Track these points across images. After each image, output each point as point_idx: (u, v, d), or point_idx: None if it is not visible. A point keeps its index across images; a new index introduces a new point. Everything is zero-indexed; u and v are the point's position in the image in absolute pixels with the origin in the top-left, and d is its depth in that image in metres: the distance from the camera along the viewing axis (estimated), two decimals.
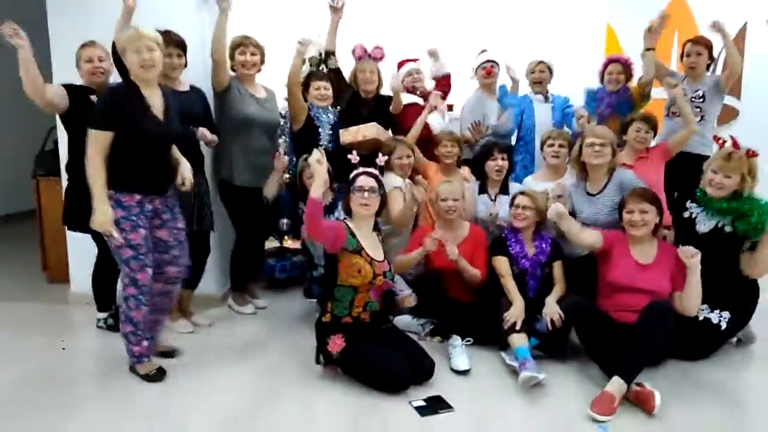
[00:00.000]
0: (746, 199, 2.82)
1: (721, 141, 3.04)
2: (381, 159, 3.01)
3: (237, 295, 3.64)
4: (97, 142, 2.44)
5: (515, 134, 4.09)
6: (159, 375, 2.68)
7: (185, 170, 2.74)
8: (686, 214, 3.00)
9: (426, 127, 3.84)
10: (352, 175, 2.76)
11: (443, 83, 4.25)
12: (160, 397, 2.54)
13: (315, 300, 3.47)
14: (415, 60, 4.16)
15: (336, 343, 2.60)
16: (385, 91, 3.99)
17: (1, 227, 6.19)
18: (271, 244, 4.12)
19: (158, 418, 2.38)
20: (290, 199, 3.52)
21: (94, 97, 3.01)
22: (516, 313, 2.83)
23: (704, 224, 2.95)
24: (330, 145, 3.59)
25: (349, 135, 3.59)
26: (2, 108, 6.09)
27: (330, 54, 3.99)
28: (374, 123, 3.60)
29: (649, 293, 2.71)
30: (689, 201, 3.03)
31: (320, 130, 3.60)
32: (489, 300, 3.04)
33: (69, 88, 2.99)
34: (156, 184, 2.62)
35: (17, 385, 2.63)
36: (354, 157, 2.82)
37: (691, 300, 2.69)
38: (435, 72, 4.24)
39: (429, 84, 4.23)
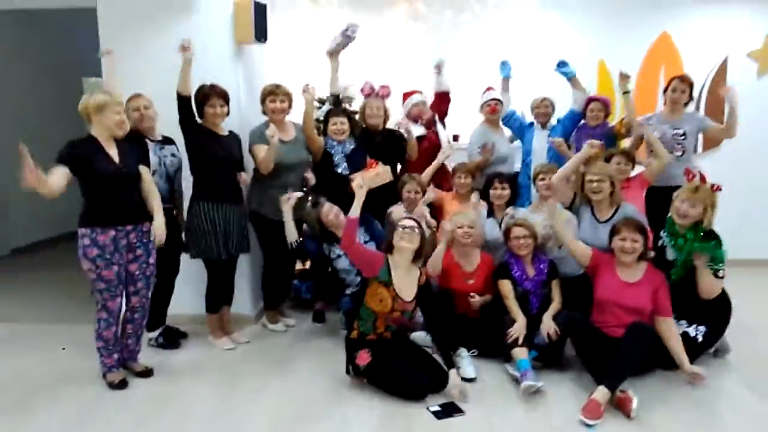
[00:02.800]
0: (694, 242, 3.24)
1: (690, 175, 3.47)
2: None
3: (269, 314, 4.08)
4: (54, 171, 2.82)
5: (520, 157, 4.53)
6: (122, 384, 3.15)
7: (157, 227, 3.14)
8: (659, 243, 3.44)
9: (435, 139, 4.40)
10: (400, 217, 3.27)
11: (442, 100, 4.67)
12: (215, 407, 2.97)
13: (323, 323, 3.99)
14: (419, 92, 4.57)
15: (363, 357, 3.03)
16: (391, 124, 4.38)
17: (52, 249, 6.66)
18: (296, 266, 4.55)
19: (210, 426, 2.79)
20: (315, 245, 3.85)
21: (150, 144, 3.50)
22: (518, 329, 3.25)
23: (671, 253, 3.38)
24: (346, 172, 4.00)
25: (371, 182, 3.80)
26: (52, 127, 6.58)
27: (336, 96, 4.47)
28: (387, 167, 3.95)
29: (633, 310, 3.13)
30: (662, 230, 3.46)
31: (336, 159, 4.02)
32: (493, 316, 3.46)
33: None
34: (125, 216, 3.05)
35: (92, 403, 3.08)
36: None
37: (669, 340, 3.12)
38: (437, 87, 4.67)
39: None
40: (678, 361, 3.05)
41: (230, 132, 3.69)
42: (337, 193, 3.84)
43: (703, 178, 3.40)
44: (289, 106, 3.88)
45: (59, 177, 2.84)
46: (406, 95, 4.57)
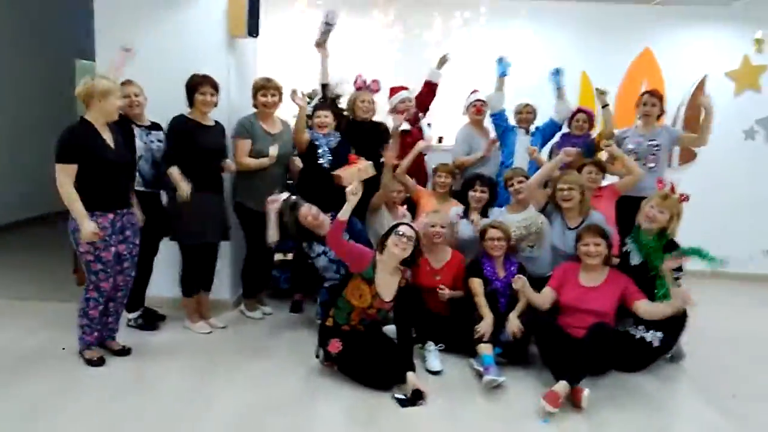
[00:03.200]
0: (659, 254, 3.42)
1: (662, 184, 3.64)
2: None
3: (248, 301, 4.19)
4: (65, 172, 2.95)
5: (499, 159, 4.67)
6: (100, 361, 3.26)
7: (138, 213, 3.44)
8: (624, 249, 3.60)
9: (418, 135, 4.51)
10: (396, 222, 3.39)
11: (429, 90, 4.79)
12: (187, 388, 3.07)
13: (300, 313, 4.18)
14: (406, 88, 4.67)
15: (334, 346, 3.15)
16: (377, 117, 4.51)
17: (38, 227, 6.70)
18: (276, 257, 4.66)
19: (184, 405, 2.90)
20: (292, 243, 4.01)
21: (137, 130, 3.59)
22: (485, 327, 3.40)
23: (636, 258, 3.54)
24: (328, 165, 4.05)
25: (349, 178, 3.89)
26: (42, 110, 6.68)
27: (325, 86, 4.58)
28: (370, 163, 4.04)
29: (596, 313, 3.29)
30: (627, 237, 3.63)
31: (319, 151, 4.07)
32: (462, 313, 3.61)
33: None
34: (122, 201, 3.20)
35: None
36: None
37: (654, 313, 3.27)
38: (429, 76, 4.80)
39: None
40: (665, 310, 3.21)
41: (216, 122, 3.79)
42: (319, 186, 3.94)
43: (672, 189, 3.58)
44: (280, 100, 3.98)
45: (73, 175, 2.98)
46: (393, 90, 4.66)
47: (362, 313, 3.22)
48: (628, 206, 4.01)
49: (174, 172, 3.56)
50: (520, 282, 3.36)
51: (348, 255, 3.23)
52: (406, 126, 4.55)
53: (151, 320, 3.87)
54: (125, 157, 3.21)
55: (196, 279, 3.85)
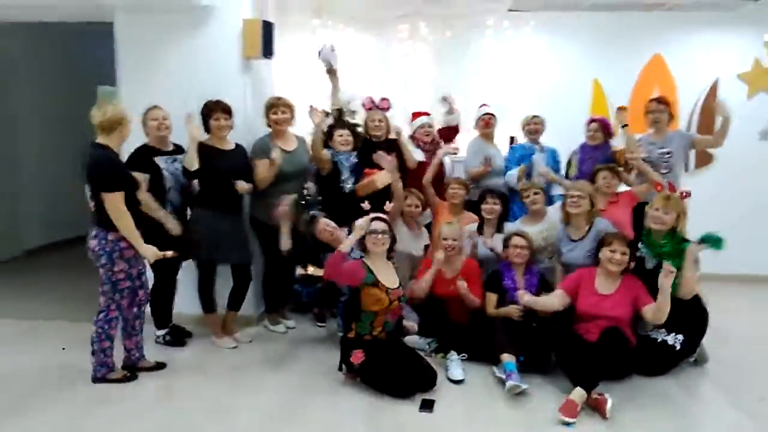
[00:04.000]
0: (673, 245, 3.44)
1: (660, 187, 3.69)
2: (388, 206, 3.74)
3: (270, 316, 4.27)
4: (117, 199, 3.06)
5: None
6: (133, 376, 3.35)
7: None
8: (638, 254, 3.62)
9: (439, 167, 4.51)
10: (367, 222, 3.41)
11: (450, 133, 4.88)
12: (214, 402, 3.15)
13: (324, 325, 4.25)
14: (427, 114, 4.77)
15: (357, 357, 3.21)
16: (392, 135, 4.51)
17: (63, 250, 6.82)
18: (298, 271, 4.73)
19: (209, 419, 2.97)
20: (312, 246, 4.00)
21: (158, 159, 3.69)
22: (513, 311, 3.55)
23: (650, 262, 3.56)
24: (351, 185, 4.19)
25: (366, 188, 4.10)
26: (66, 135, 6.82)
27: (339, 110, 4.68)
28: (385, 171, 4.10)
29: (611, 319, 3.31)
30: (639, 242, 3.65)
31: (342, 171, 4.19)
32: (483, 322, 3.65)
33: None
34: (143, 220, 3.31)
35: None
36: (366, 205, 3.64)
37: (659, 311, 3.22)
38: (447, 122, 4.88)
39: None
40: (665, 299, 3.16)
41: (237, 145, 3.89)
42: (342, 208, 4.02)
43: (672, 187, 3.62)
44: (292, 117, 4.08)
45: (123, 201, 3.10)
46: (415, 115, 4.75)
47: (386, 314, 3.30)
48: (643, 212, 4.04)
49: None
50: (525, 297, 3.42)
51: (343, 278, 3.34)
52: (421, 156, 4.56)
53: (178, 337, 3.97)
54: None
55: (211, 295, 3.94)
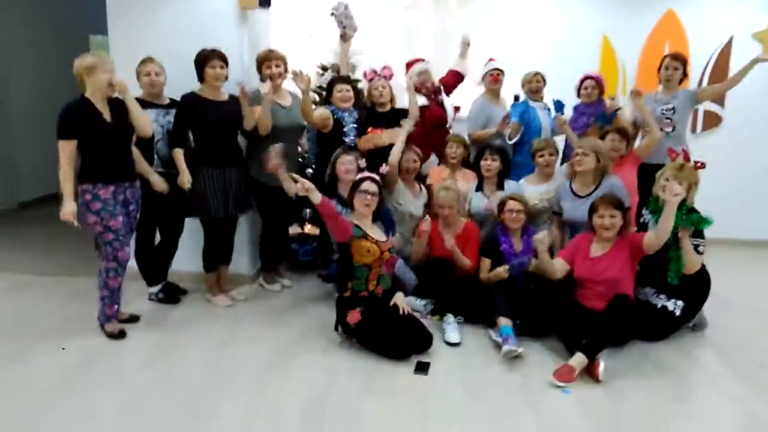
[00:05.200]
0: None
1: (674, 154, 3.56)
2: (384, 168, 3.66)
3: (266, 274, 4.23)
4: (65, 150, 3.04)
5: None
6: (121, 335, 3.33)
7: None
8: (641, 220, 3.53)
9: (438, 111, 4.39)
10: (358, 179, 3.36)
11: (453, 78, 4.66)
12: (208, 358, 3.13)
13: (331, 283, 4.09)
14: (423, 60, 4.56)
15: (353, 316, 3.17)
16: (399, 104, 4.38)
17: (57, 204, 6.71)
18: (294, 230, 4.67)
19: (204, 376, 2.95)
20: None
21: (149, 112, 3.55)
22: (500, 272, 3.49)
23: (654, 228, 3.46)
24: (353, 137, 4.05)
25: (368, 142, 4.01)
26: (58, 87, 6.61)
27: (338, 71, 4.48)
28: (389, 130, 4.03)
29: (606, 281, 3.25)
30: (644, 208, 3.56)
31: (345, 129, 4.05)
32: (480, 286, 3.60)
33: None
34: (122, 174, 3.24)
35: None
36: (362, 162, 3.65)
37: (661, 231, 3.09)
38: (456, 66, 4.66)
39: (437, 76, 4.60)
40: (667, 222, 3.06)
41: (231, 96, 3.75)
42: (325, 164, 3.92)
43: (686, 157, 3.49)
44: (285, 70, 3.91)
45: (73, 152, 3.07)
46: (409, 64, 4.58)
47: (380, 266, 3.26)
48: (649, 174, 3.93)
49: (178, 156, 3.57)
50: (542, 236, 3.30)
51: (337, 222, 3.16)
52: (423, 101, 4.42)
53: (172, 294, 3.92)
54: (122, 130, 3.21)
55: (218, 254, 3.87)
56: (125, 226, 3.26)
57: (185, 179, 3.54)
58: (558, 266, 3.41)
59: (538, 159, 4.01)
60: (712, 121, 5.60)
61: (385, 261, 3.27)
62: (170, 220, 3.79)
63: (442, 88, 4.56)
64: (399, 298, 3.34)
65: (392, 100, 4.31)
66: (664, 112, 4.08)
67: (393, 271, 3.38)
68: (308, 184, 3.03)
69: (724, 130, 5.60)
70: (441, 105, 4.50)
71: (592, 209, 3.37)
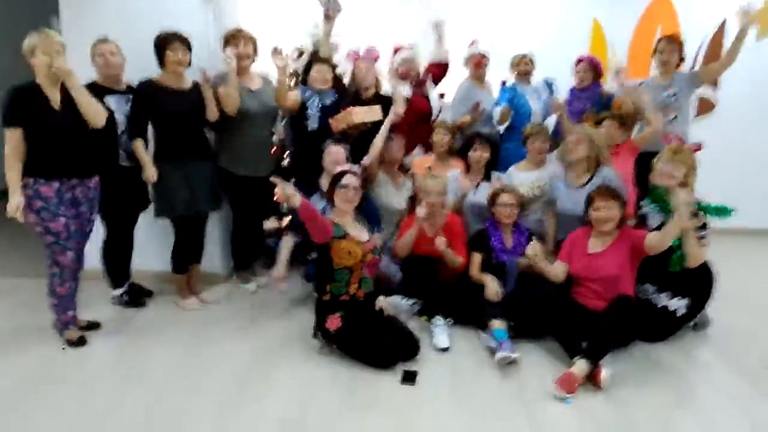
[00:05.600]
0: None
1: (667, 138, 3.36)
2: (366, 160, 3.46)
3: (241, 273, 3.94)
4: (10, 140, 2.75)
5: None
6: (81, 341, 3.04)
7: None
8: (641, 211, 3.32)
9: (423, 103, 4.12)
10: (338, 172, 3.07)
11: (439, 70, 4.40)
12: (175, 368, 2.86)
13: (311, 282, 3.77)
14: (410, 47, 4.29)
15: (333, 322, 2.90)
16: (384, 90, 4.11)
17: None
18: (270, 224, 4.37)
19: (171, 387, 2.69)
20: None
21: (108, 98, 3.24)
22: (492, 289, 3.19)
23: (654, 220, 3.27)
24: (316, 124, 3.73)
25: (341, 122, 3.66)
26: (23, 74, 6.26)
27: (317, 51, 4.14)
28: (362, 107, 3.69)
29: (604, 279, 3.03)
30: (644, 198, 3.35)
31: (308, 111, 3.73)
32: (470, 284, 3.36)
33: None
34: (70, 169, 2.90)
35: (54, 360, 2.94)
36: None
37: (666, 234, 2.87)
38: (435, 57, 4.39)
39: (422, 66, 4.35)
40: (673, 231, 2.85)
41: (195, 84, 3.42)
42: (308, 152, 3.63)
43: (681, 140, 3.29)
44: (255, 52, 3.62)
45: (18, 142, 2.76)
46: (398, 49, 4.31)
47: (362, 269, 2.97)
48: (648, 163, 3.72)
49: (138, 148, 3.25)
50: (532, 249, 3.09)
51: (317, 224, 2.84)
52: (407, 91, 4.09)
53: (137, 297, 3.63)
54: (74, 120, 2.87)
55: (188, 254, 3.57)
56: (69, 229, 2.91)
57: (150, 173, 3.23)
58: (559, 270, 3.18)
59: (530, 145, 3.77)
60: (705, 107, 5.43)
61: (368, 263, 3.00)
62: (124, 215, 3.48)
63: (429, 79, 4.31)
64: (382, 302, 3.08)
65: (377, 85, 4.04)
66: (666, 98, 3.86)
67: (376, 273, 3.10)
68: (289, 189, 2.70)
69: (717, 116, 5.42)
70: (426, 97, 4.25)
71: (588, 201, 3.14)
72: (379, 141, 3.65)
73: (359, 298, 3.00)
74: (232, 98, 3.38)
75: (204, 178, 3.45)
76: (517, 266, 3.32)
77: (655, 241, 2.93)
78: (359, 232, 3.05)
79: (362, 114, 3.62)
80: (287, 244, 3.52)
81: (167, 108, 3.27)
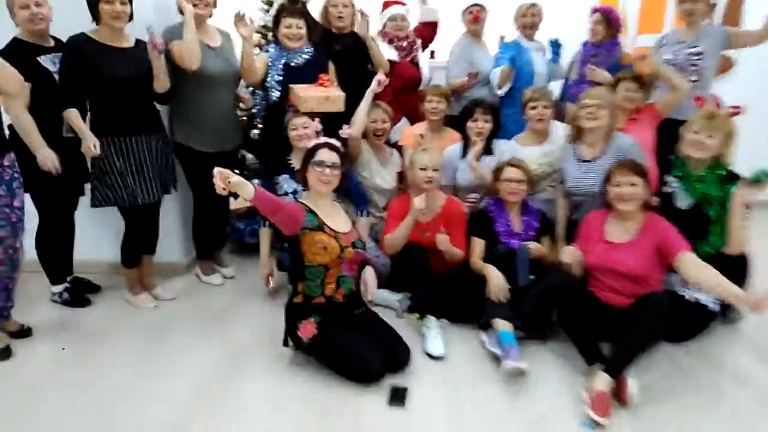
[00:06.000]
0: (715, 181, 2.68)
1: (700, 101, 2.86)
2: (345, 131, 2.90)
3: (203, 263, 3.42)
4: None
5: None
6: (5, 354, 2.58)
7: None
8: (664, 189, 2.84)
9: (411, 69, 3.63)
10: (311, 146, 2.52)
11: (428, 30, 3.94)
12: (120, 382, 2.39)
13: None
14: (402, 3, 3.75)
15: (307, 329, 2.42)
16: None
17: None
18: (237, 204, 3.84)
19: (120, 400, 2.27)
20: (267, 172, 3.17)
21: (43, 58, 2.68)
22: (497, 286, 2.69)
23: (683, 200, 2.79)
24: (278, 93, 3.18)
25: (303, 102, 3.05)
26: None
27: None
28: (342, 95, 3.12)
29: (629, 276, 2.55)
30: (669, 174, 2.85)
31: (267, 81, 3.19)
32: (469, 276, 2.88)
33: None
34: None
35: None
36: (316, 125, 2.80)
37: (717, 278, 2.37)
38: (423, 16, 3.93)
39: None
40: (725, 292, 2.33)
41: (138, 42, 2.84)
42: (276, 123, 3.09)
43: (717, 103, 2.78)
44: (214, 5, 3.06)
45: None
46: (386, 4, 3.77)
47: (341, 266, 2.46)
48: (672, 131, 3.22)
49: (71, 117, 2.68)
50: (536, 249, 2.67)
51: (281, 215, 2.33)
52: (394, 55, 3.62)
53: (80, 294, 3.12)
54: None
55: (139, 245, 3.05)
56: None
57: (89, 144, 2.66)
58: (574, 260, 2.65)
59: (530, 111, 3.25)
60: (724, 64, 4.86)
61: (347, 260, 2.49)
62: (63, 196, 2.94)
63: (418, 42, 3.79)
64: (368, 275, 2.57)
65: (353, 23, 3.47)
66: (689, 57, 3.32)
67: (357, 270, 2.59)
68: (235, 177, 2.12)
69: (738, 75, 4.89)
70: (415, 63, 3.74)
71: (607, 177, 2.65)
72: (362, 111, 3.14)
73: (338, 300, 2.49)
74: (192, 51, 2.83)
75: (155, 156, 2.91)
76: (528, 253, 2.82)
77: (692, 273, 2.41)
78: (338, 221, 2.52)
79: (314, 101, 3.01)
80: (266, 234, 3.02)
81: (105, 71, 2.70)
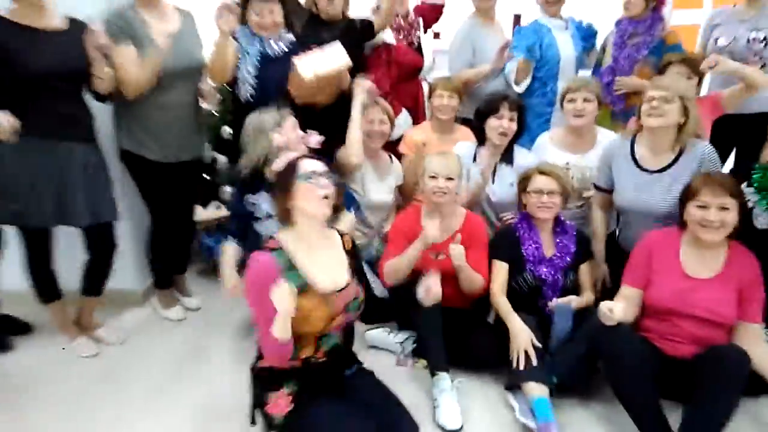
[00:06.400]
0: None
1: None
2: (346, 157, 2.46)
3: (161, 293, 2.80)
4: None
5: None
6: None
7: None
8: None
9: (411, 55, 3.15)
10: (288, 161, 1.86)
11: (431, 11, 3.43)
12: None
13: None
14: None
15: (278, 404, 1.80)
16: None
17: None
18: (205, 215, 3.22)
19: None
20: (238, 192, 2.50)
21: None
22: (521, 341, 2.08)
23: (765, 219, 2.20)
24: (251, 89, 2.62)
25: (294, 88, 2.54)
26: None
27: None
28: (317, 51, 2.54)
29: (709, 322, 1.97)
30: (745, 184, 2.23)
31: (238, 74, 2.61)
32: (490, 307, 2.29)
33: None
34: None
35: None
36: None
37: None
38: None
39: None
40: None
41: (71, 22, 2.22)
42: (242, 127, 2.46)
43: None
44: None
45: None
46: None
47: (325, 335, 1.85)
48: (736, 129, 2.64)
49: None
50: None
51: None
52: (390, 38, 3.11)
53: (2, 336, 2.51)
54: None
55: (47, 275, 2.43)
56: None
57: (6, 127, 2.02)
58: (630, 306, 2.06)
59: (567, 105, 2.66)
60: None
61: (337, 327, 1.86)
62: None
63: (419, 22, 3.34)
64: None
65: (346, 6, 2.95)
66: (752, 43, 2.72)
67: (346, 326, 1.96)
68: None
69: None
70: (417, 47, 3.29)
71: (687, 194, 2.03)
72: (355, 132, 2.59)
73: (317, 360, 1.88)
74: (136, 83, 2.31)
75: (80, 168, 2.26)
76: (569, 315, 2.18)
77: (756, 359, 1.85)
78: (332, 266, 1.85)
79: (312, 63, 2.45)
80: (229, 253, 2.39)
81: (22, 59, 2.07)
